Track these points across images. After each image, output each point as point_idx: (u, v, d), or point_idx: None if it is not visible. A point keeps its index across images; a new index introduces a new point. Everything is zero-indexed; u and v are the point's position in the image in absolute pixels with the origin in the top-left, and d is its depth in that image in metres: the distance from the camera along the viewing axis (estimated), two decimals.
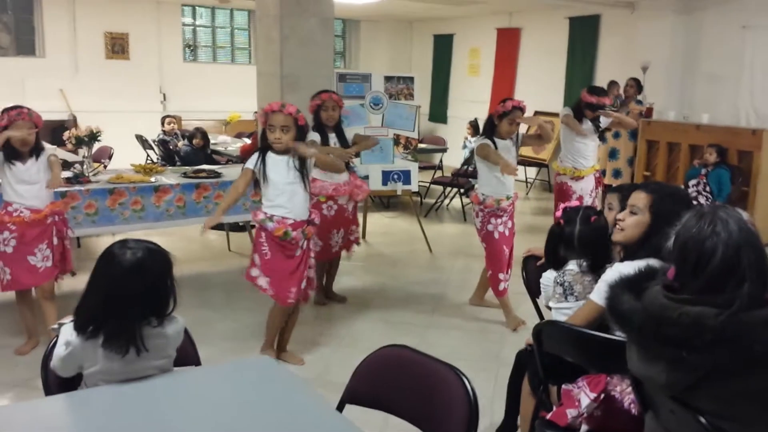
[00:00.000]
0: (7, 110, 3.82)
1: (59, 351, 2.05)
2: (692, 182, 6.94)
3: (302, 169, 3.75)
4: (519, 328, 4.61)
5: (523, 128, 4.88)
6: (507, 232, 4.68)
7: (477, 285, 5.12)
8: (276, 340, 4.07)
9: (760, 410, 1.57)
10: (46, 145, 4.32)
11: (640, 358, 1.70)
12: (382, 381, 2.02)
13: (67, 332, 2.04)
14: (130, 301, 2.00)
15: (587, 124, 5.57)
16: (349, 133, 5.00)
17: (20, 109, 3.80)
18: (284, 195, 3.74)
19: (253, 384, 1.96)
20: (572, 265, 2.75)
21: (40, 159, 3.90)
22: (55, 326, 2.14)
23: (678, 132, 7.75)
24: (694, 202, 6.49)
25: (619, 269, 2.22)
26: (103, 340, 2.00)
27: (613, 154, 8.25)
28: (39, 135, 3.95)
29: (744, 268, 1.57)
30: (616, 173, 8.22)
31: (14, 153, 3.80)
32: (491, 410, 3.34)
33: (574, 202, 3.12)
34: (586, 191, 5.67)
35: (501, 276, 4.68)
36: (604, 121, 5.68)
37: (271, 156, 3.73)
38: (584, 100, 5.55)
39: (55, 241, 4.00)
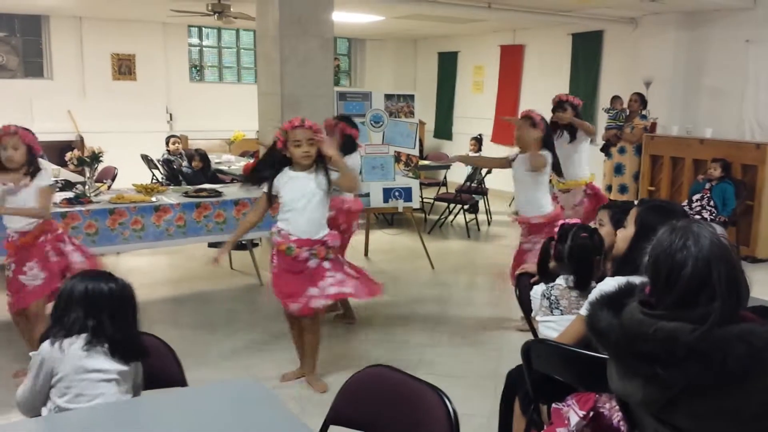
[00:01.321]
0: None
1: (26, 387, 2.10)
2: (696, 197, 6.89)
3: (326, 188, 3.73)
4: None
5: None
6: None
7: None
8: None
9: (736, 428, 1.55)
10: (46, 166, 4.23)
11: (619, 375, 1.69)
12: (364, 401, 2.01)
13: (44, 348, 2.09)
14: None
15: (564, 135, 5.42)
16: None
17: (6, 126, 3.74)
18: (293, 211, 3.73)
19: (233, 406, 1.95)
20: (560, 280, 2.77)
21: (33, 183, 3.76)
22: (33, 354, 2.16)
23: (682, 147, 7.73)
24: (697, 217, 6.48)
25: (602, 286, 2.22)
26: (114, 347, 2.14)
27: (618, 170, 8.21)
28: (35, 157, 3.84)
29: (714, 282, 1.56)
30: (622, 188, 8.18)
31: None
32: (489, 428, 3.31)
33: (575, 219, 3.12)
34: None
35: None
36: (581, 134, 5.53)
37: (288, 172, 3.72)
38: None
39: (53, 257, 3.86)
